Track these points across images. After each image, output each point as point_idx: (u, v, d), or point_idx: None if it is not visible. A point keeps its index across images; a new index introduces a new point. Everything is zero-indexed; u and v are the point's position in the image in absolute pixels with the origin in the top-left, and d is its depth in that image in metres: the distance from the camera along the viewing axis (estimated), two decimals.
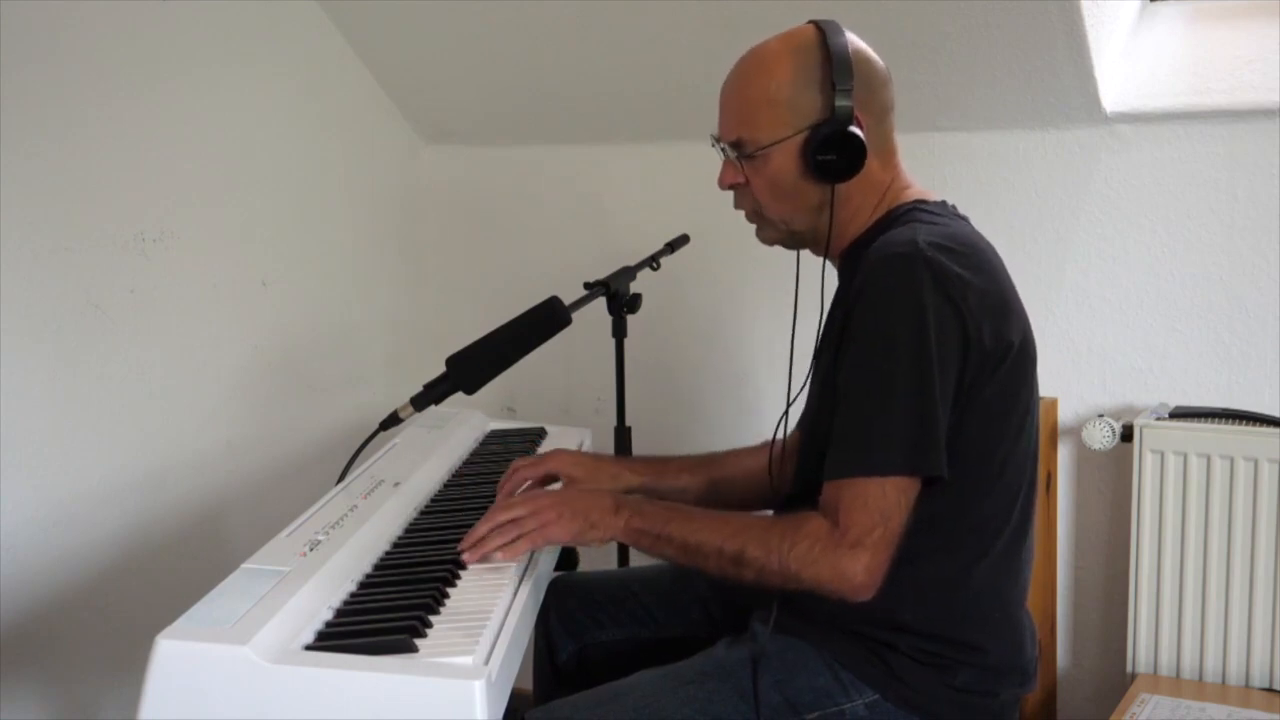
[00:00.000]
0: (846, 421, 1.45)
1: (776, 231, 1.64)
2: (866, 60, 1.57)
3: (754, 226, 1.67)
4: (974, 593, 1.52)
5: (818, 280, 1.65)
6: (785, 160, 1.55)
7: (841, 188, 1.56)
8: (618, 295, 2.03)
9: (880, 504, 1.40)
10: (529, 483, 1.77)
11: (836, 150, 1.52)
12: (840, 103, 1.52)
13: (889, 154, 1.61)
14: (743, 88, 1.59)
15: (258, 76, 2.42)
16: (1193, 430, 2.09)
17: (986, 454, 1.50)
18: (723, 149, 1.62)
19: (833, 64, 1.53)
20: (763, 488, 1.80)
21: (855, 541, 1.40)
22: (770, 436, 1.78)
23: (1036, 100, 2.20)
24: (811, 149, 1.53)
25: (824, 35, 1.55)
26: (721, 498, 1.82)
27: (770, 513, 1.71)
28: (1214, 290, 2.18)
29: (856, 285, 1.48)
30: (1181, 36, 2.27)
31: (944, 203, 1.63)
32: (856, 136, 1.52)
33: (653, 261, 2.09)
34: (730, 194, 1.66)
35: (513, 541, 1.51)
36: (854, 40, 1.57)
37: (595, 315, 2.02)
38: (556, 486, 1.78)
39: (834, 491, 1.43)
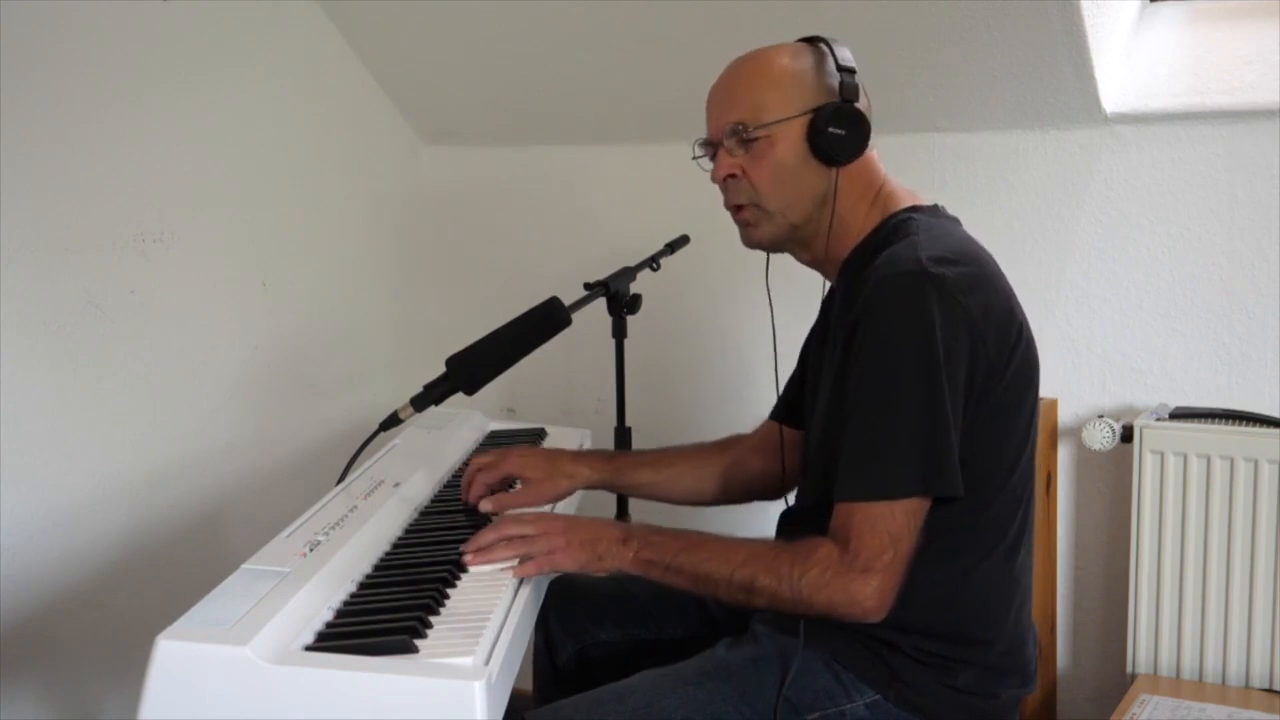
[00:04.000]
0: (856, 443, 1.45)
1: (772, 225, 1.61)
2: (853, 62, 1.61)
3: (744, 228, 1.65)
4: (976, 593, 1.52)
5: (805, 287, 1.65)
6: (790, 143, 1.56)
7: (840, 180, 1.56)
8: (618, 296, 2.03)
9: (890, 527, 1.40)
10: (489, 489, 1.75)
11: (846, 126, 1.54)
12: (847, 82, 1.56)
13: (873, 157, 1.62)
14: (745, 75, 1.60)
15: (258, 77, 2.42)
16: (1193, 431, 2.09)
17: (994, 459, 1.50)
18: (709, 151, 1.63)
19: (835, 56, 1.58)
20: (717, 485, 1.83)
21: (866, 566, 1.40)
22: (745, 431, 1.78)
23: (1036, 100, 2.20)
24: (820, 125, 1.54)
25: (819, 40, 1.61)
26: (679, 492, 1.84)
27: (767, 529, 1.72)
28: (1214, 290, 2.18)
29: (861, 305, 1.47)
30: (1181, 37, 2.27)
31: (936, 206, 1.63)
32: (864, 115, 1.55)
33: (653, 262, 2.09)
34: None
35: (520, 563, 1.51)
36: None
37: (595, 316, 2.02)
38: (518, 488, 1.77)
39: (844, 515, 1.43)
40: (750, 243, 1.65)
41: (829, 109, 1.54)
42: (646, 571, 1.52)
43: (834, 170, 1.56)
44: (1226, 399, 2.18)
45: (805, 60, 1.58)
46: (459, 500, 1.77)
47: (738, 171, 1.59)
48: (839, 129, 1.54)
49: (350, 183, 2.69)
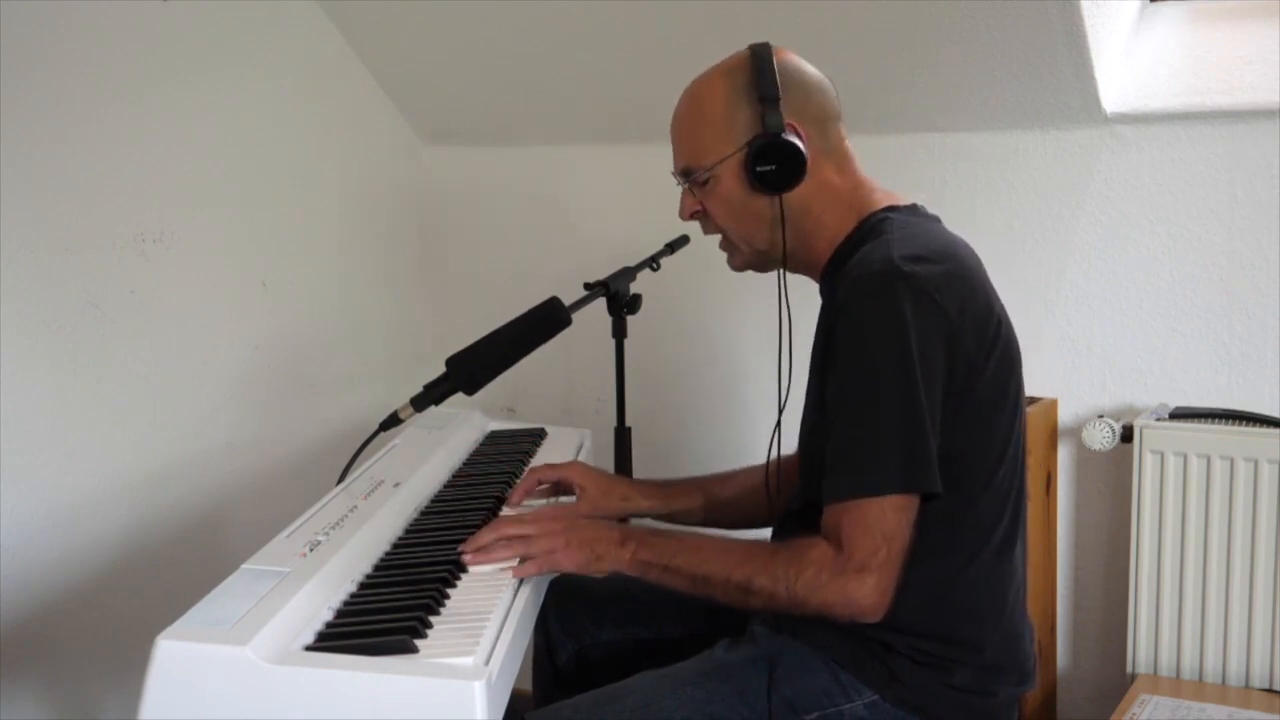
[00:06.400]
0: (839, 444, 1.45)
1: (742, 256, 1.65)
2: (798, 71, 1.59)
3: (726, 255, 1.69)
4: (969, 592, 1.53)
5: (800, 294, 1.66)
6: (730, 179, 1.58)
7: (798, 199, 1.57)
8: (618, 296, 2.03)
9: (881, 525, 1.40)
10: (543, 486, 1.78)
11: (774, 160, 1.54)
12: (770, 114, 1.54)
13: (843, 160, 1.62)
14: (684, 117, 1.63)
15: (258, 77, 2.42)
16: (1193, 431, 2.09)
17: (978, 456, 1.50)
18: (679, 182, 1.65)
19: (761, 79, 1.56)
20: (764, 505, 1.81)
21: (860, 566, 1.40)
22: (768, 439, 1.78)
23: (1036, 100, 2.20)
24: (750, 162, 1.55)
25: (753, 54, 1.59)
26: (727, 517, 1.83)
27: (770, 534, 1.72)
28: (1214, 290, 2.18)
29: (837, 305, 1.48)
30: (1181, 37, 2.27)
31: (914, 205, 1.63)
32: (791, 144, 1.54)
33: (653, 262, 2.09)
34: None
35: (520, 563, 1.51)
36: (786, 55, 1.60)
37: (595, 316, 2.02)
38: (569, 500, 1.79)
39: (834, 516, 1.43)
40: (733, 268, 1.69)
41: (756, 145, 1.55)
42: (644, 573, 1.52)
43: (778, 197, 1.57)
44: (1226, 399, 2.18)
45: (737, 87, 1.57)
46: (459, 500, 1.78)
47: (699, 208, 1.63)
48: (767, 164, 1.54)
49: (350, 183, 2.69)
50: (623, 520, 1.95)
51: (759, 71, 1.56)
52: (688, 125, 1.62)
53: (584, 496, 1.78)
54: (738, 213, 1.60)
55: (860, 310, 1.45)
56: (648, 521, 1.84)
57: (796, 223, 1.58)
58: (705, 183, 1.60)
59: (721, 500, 1.85)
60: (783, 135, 1.54)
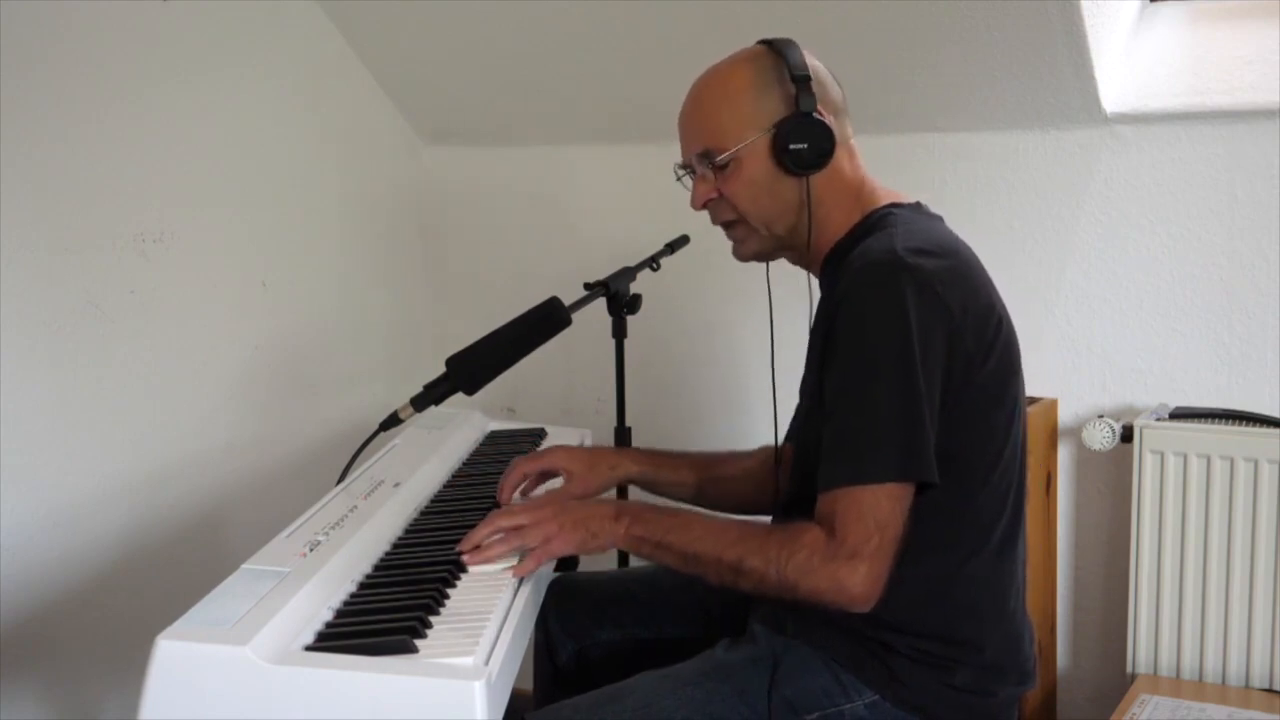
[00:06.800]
0: (837, 431, 1.45)
1: (759, 240, 1.64)
2: (816, 64, 1.61)
3: (735, 244, 1.67)
4: (968, 590, 1.53)
5: (800, 288, 1.66)
6: (757, 161, 1.57)
7: (816, 186, 1.57)
8: (618, 296, 2.03)
9: (875, 513, 1.40)
10: (528, 480, 1.78)
11: (807, 139, 1.55)
12: (803, 94, 1.55)
13: (852, 153, 1.63)
14: (703, 101, 1.62)
15: (258, 77, 2.42)
16: (1193, 431, 2.09)
17: (976, 453, 1.50)
18: (689, 172, 1.65)
19: (788, 64, 1.57)
20: (759, 490, 1.81)
21: (852, 552, 1.40)
22: (768, 439, 1.78)
23: (1036, 100, 2.20)
24: (782, 142, 1.55)
25: (773, 44, 1.60)
26: (718, 496, 1.83)
27: (769, 519, 1.71)
28: (1214, 290, 2.18)
29: (839, 295, 1.48)
30: (1181, 37, 2.27)
31: (918, 204, 1.64)
32: (824, 123, 1.55)
33: (653, 262, 2.09)
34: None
35: (520, 559, 1.51)
36: (802, 49, 1.61)
37: (595, 316, 2.03)
38: (557, 483, 1.78)
39: (829, 502, 1.43)
40: (742, 257, 1.68)
41: (788, 124, 1.55)
42: (637, 548, 1.53)
43: (806, 178, 1.57)
44: (1226, 399, 2.18)
45: (762, 72, 1.58)
46: (459, 500, 1.78)
47: (715, 194, 1.62)
48: (800, 143, 1.55)
49: (350, 183, 2.69)
50: (620, 493, 1.95)
51: (786, 56, 1.57)
52: (707, 109, 1.60)
53: (571, 479, 1.77)
54: (760, 196, 1.59)
55: (862, 300, 1.45)
56: (643, 496, 1.84)
57: (811, 210, 1.59)
58: (726, 166, 1.59)
59: (714, 477, 1.84)
60: (814, 114, 1.55)
